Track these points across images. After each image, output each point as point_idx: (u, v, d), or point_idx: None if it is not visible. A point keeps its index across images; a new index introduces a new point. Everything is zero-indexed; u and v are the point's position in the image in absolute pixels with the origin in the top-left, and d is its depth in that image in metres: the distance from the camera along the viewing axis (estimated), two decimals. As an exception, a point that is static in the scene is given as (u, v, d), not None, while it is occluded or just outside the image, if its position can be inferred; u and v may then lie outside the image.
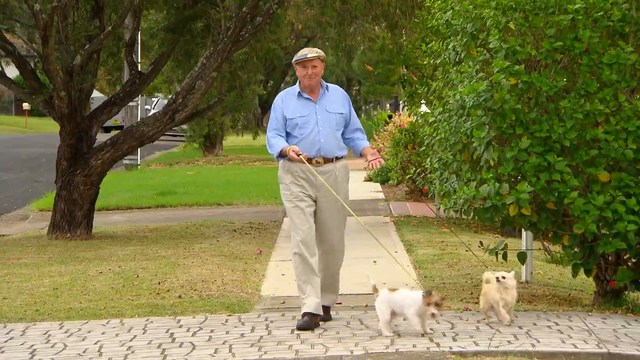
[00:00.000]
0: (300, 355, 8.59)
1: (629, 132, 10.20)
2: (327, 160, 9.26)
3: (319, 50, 9.32)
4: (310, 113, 9.29)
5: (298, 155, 9.00)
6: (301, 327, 9.14)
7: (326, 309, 9.53)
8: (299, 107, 9.30)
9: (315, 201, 9.31)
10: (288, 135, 9.28)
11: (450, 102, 10.91)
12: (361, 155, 9.65)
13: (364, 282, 11.89)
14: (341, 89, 9.65)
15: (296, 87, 9.38)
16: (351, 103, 9.60)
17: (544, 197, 10.26)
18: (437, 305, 8.71)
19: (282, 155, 9.14)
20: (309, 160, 9.10)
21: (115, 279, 12.50)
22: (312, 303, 9.24)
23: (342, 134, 9.50)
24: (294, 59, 9.28)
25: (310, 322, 9.18)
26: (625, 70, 10.35)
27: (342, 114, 9.39)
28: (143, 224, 19.20)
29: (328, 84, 9.49)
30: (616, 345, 8.95)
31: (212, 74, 17.11)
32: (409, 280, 12.02)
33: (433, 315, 8.75)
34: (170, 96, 21.27)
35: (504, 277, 9.36)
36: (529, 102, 10.42)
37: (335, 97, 9.47)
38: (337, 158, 9.34)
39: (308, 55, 9.14)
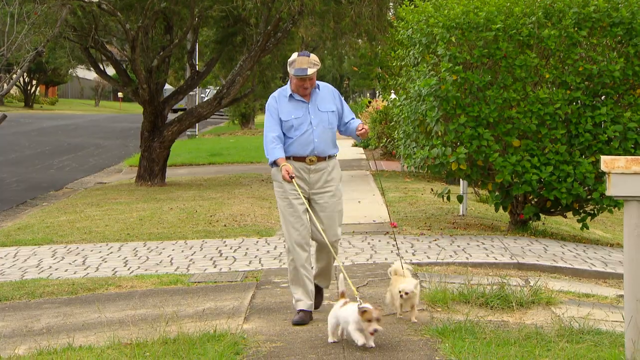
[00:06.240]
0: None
1: (533, 113, 10.20)
2: (320, 159, 6.57)
3: (316, 60, 6.60)
4: (304, 114, 6.58)
5: (290, 178, 6.43)
6: (297, 323, 6.47)
7: (320, 289, 6.86)
8: (293, 108, 6.61)
9: (308, 199, 6.59)
10: (283, 135, 6.62)
11: (411, 92, 10.87)
12: (357, 130, 6.64)
13: (352, 215, 11.94)
14: (330, 85, 6.85)
15: (287, 89, 6.71)
16: (342, 97, 6.83)
17: (475, 157, 10.26)
18: (378, 320, 5.63)
19: (276, 164, 6.50)
20: (303, 158, 6.55)
21: (181, 213, 12.51)
22: (304, 304, 6.56)
23: (338, 126, 6.78)
24: (293, 71, 6.53)
25: (305, 318, 6.50)
26: (531, 70, 10.32)
27: (333, 111, 6.66)
28: (200, 176, 19.16)
29: (318, 83, 6.70)
30: (523, 257, 8.98)
31: (247, 72, 17.04)
32: (383, 215, 12.02)
33: (375, 331, 5.64)
34: (218, 87, 21.19)
35: (406, 293, 6.30)
36: (465, 91, 10.38)
37: (326, 95, 6.71)
38: (330, 157, 6.63)
39: (308, 72, 6.48)
